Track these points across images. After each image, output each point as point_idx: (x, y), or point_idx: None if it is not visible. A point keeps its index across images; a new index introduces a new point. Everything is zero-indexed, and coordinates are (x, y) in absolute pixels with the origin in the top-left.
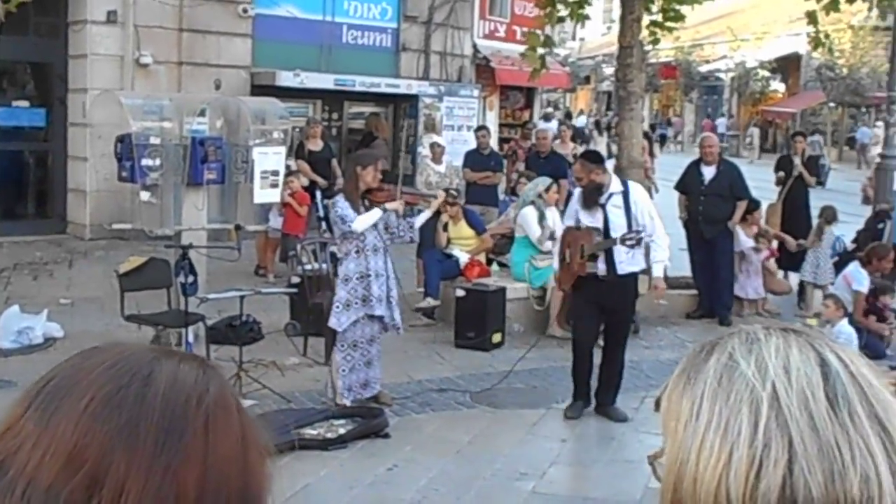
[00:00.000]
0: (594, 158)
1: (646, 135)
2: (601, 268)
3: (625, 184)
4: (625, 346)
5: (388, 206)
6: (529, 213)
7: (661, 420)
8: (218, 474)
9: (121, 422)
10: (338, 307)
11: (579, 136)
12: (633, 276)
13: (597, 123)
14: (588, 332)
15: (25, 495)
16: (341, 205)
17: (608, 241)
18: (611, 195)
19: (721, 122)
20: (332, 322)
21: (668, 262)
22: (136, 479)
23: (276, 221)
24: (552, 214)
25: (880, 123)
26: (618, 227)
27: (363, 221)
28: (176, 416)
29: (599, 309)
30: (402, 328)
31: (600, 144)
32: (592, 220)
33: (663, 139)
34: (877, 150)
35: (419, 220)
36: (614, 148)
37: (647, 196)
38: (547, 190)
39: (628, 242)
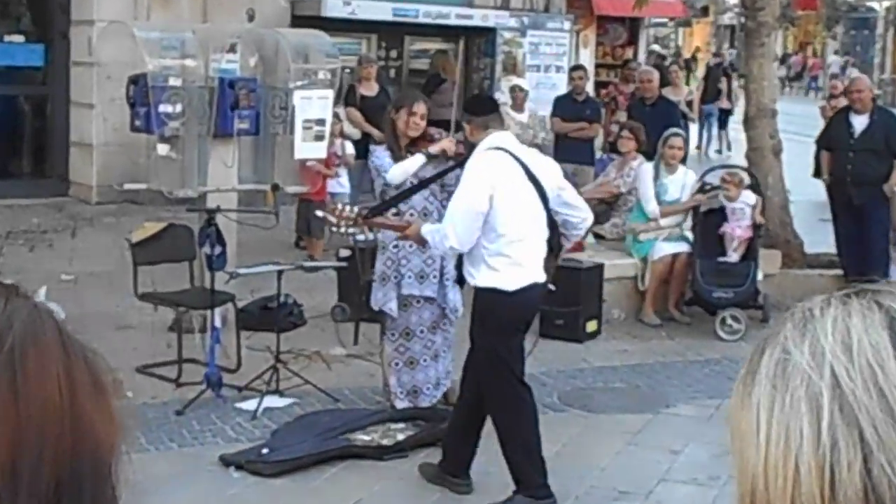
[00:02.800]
0: (471, 107)
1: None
2: None
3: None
4: (494, 419)
5: (433, 148)
6: (649, 168)
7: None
8: (35, 432)
9: None
10: (373, 281)
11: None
12: (482, 295)
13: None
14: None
15: None
16: (379, 154)
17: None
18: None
19: (834, 61)
20: (371, 300)
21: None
22: None
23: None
24: (675, 177)
25: None
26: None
27: (400, 170)
28: None
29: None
30: (460, 311)
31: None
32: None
33: None
34: None
35: None
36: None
37: (478, 171)
38: (665, 140)
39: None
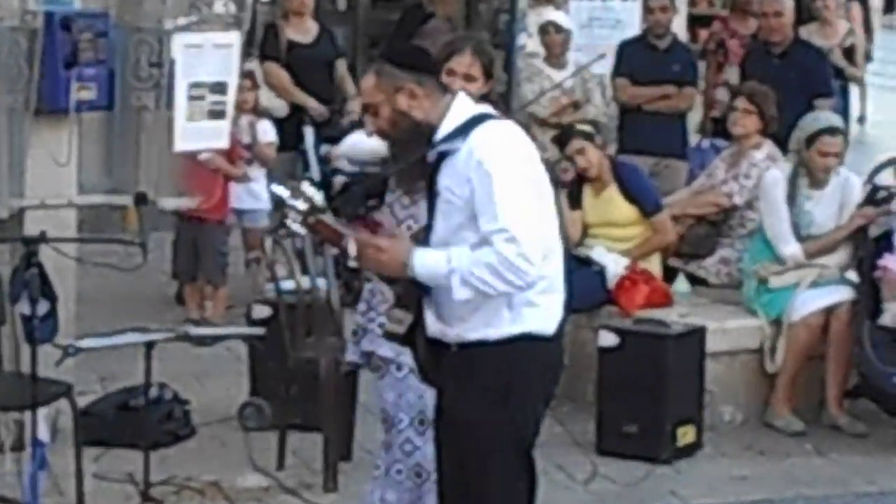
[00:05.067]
0: (409, 59)
1: None
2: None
3: (470, 124)
4: None
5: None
6: (779, 181)
7: None
8: None
9: None
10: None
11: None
12: (502, 350)
13: None
14: None
15: None
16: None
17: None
18: (442, 156)
19: None
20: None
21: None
22: None
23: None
24: (827, 194)
25: None
26: (441, 230)
27: (367, 147)
28: None
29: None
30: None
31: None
32: (408, 209)
33: None
34: None
35: None
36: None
37: (506, 151)
38: (811, 139)
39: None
